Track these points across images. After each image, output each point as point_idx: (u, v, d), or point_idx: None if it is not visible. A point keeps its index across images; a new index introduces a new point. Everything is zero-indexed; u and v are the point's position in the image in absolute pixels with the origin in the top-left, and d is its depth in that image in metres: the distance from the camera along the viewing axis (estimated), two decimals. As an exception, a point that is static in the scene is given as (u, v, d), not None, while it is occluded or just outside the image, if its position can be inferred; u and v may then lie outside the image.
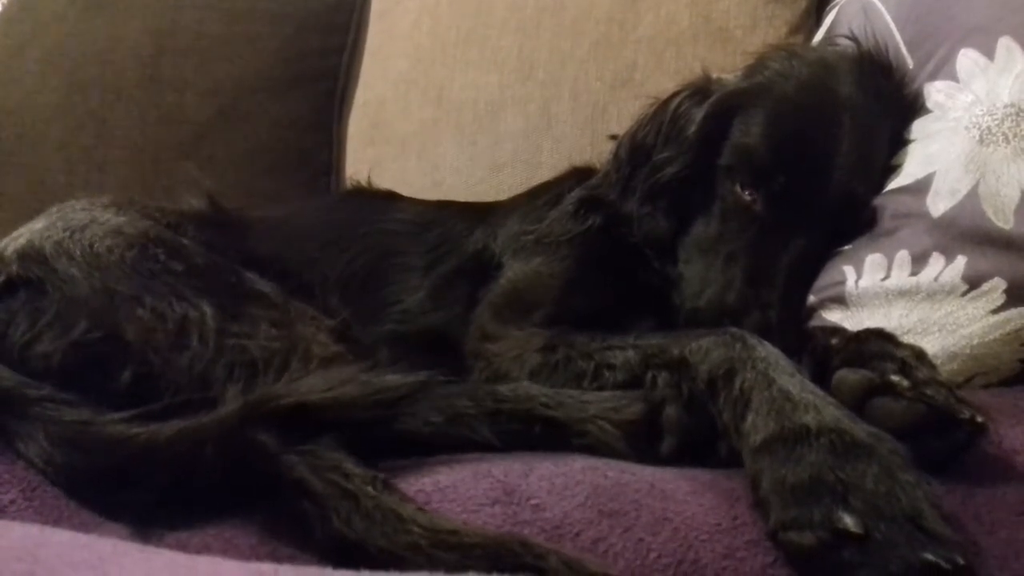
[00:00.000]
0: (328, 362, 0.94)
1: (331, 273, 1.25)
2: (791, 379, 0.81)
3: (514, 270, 1.20)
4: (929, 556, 0.65)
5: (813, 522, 0.68)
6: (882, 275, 1.02)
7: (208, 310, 0.92)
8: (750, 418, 0.79)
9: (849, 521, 0.67)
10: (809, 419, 0.75)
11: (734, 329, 0.89)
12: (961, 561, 0.65)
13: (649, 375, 0.91)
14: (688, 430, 0.86)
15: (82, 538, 0.67)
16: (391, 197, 1.44)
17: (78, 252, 0.95)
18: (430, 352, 1.18)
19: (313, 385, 0.82)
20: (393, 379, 0.84)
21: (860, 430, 0.74)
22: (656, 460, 0.85)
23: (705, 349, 0.87)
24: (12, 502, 0.76)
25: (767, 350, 0.85)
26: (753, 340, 0.86)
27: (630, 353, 0.95)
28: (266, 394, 0.81)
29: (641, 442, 0.86)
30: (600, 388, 0.95)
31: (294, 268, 1.18)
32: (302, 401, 0.80)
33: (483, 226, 1.30)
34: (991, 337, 0.95)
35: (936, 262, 0.98)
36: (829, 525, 0.67)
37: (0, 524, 0.71)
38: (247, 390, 0.85)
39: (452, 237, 1.30)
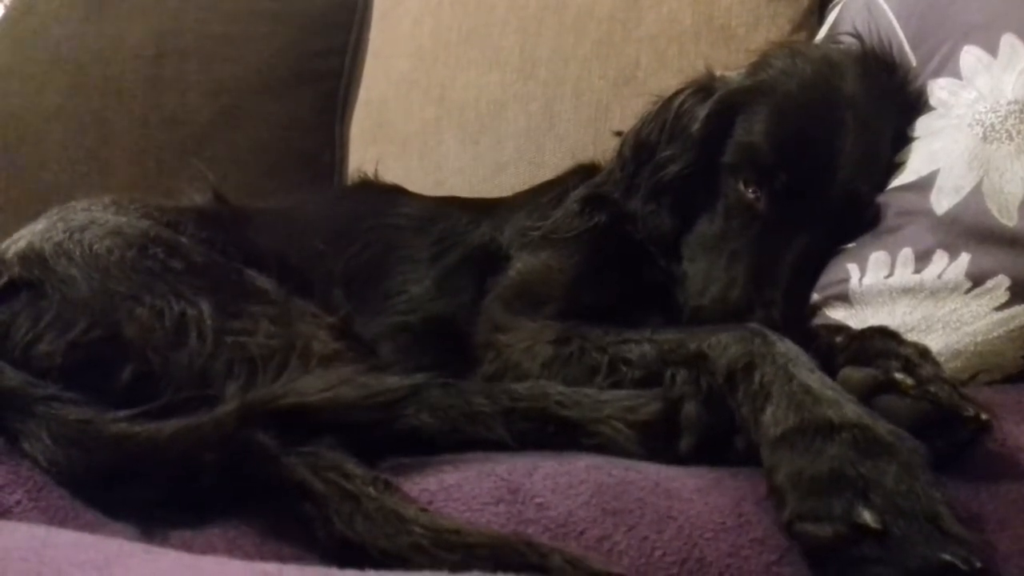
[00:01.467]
0: (328, 360, 0.94)
1: (335, 267, 1.25)
2: (811, 374, 0.81)
3: (523, 262, 1.20)
4: (947, 556, 0.65)
5: (832, 515, 0.69)
6: (886, 273, 1.02)
7: (206, 308, 0.92)
8: (769, 411, 0.79)
9: (868, 516, 0.67)
10: (831, 413, 0.75)
11: (753, 324, 0.90)
12: (978, 563, 0.65)
13: (668, 372, 0.91)
14: (708, 427, 0.86)
15: (87, 538, 0.67)
16: (396, 191, 1.44)
17: (78, 253, 0.95)
18: (436, 342, 1.18)
19: (311, 386, 0.82)
20: (391, 380, 0.84)
21: (881, 427, 0.74)
22: (674, 459, 0.85)
23: (724, 343, 0.87)
24: (18, 503, 0.76)
25: (787, 345, 0.85)
26: (772, 336, 0.87)
27: (646, 347, 0.94)
28: (263, 395, 0.81)
29: (658, 442, 0.86)
30: (616, 384, 0.95)
31: (297, 263, 1.18)
32: (300, 402, 0.80)
33: (489, 220, 1.30)
34: (995, 334, 0.95)
35: (940, 259, 0.98)
36: (848, 519, 0.68)
37: (5, 525, 0.71)
38: (247, 387, 0.86)
39: (457, 230, 1.30)
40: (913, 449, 0.73)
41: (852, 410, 0.76)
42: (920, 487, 0.69)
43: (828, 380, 0.81)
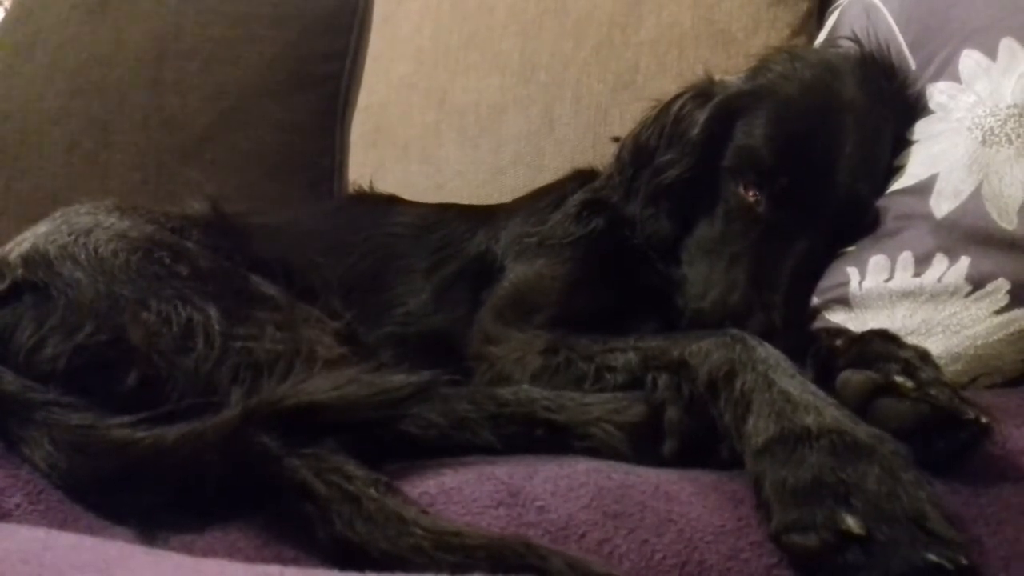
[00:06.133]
0: (333, 364, 0.94)
1: (334, 276, 1.25)
2: (791, 380, 0.81)
3: (516, 272, 1.20)
4: (932, 556, 0.65)
5: (815, 524, 0.68)
6: (885, 276, 1.02)
7: (213, 313, 0.92)
8: (751, 420, 0.79)
9: (851, 522, 0.67)
10: (810, 420, 0.75)
11: (734, 331, 0.90)
12: (964, 561, 0.65)
13: (649, 377, 0.91)
14: (689, 432, 0.86)
15: (88, 541, 0.67)
16: (392, 201, 1.44)
17: (83, 256, 0.95)
18: (433, 354, 1.18)
19: (317, 386, 0.82)
20: (397, 379, 0.84)
21: (861, 431, 0.74)
22: (658, 462, 0.85)
23: (705, 351, 0.87)
24: (17, 506, 0.76)
25: (767, 351, 0.85)
26: (753, 341, 0.86)
27: (630, 355, 0.95)
28: (268, 397, 0.81)
29: (644, 444, 0.87)
30: (601, 390, 0.95)
31: (297, 272, 1.18)
32: (305, 402, 0.80)
33: (485, 228, 1.30)
34: (995, 338, 0.95)
35: (940, 263, 0.98)
36: (832, 526, 0.68)
37: (6, 528, 0.71)
38: (252, 392, 0.85)
39: (454, 239, 1.30)
40: (894, 450, 0.73)
41: (831, 415, 0.76)
42: (903, 488, 0.69)
43: (809, 385, 0.81)
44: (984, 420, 0.76)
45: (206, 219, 1.21)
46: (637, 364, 0.93)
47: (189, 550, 0.71)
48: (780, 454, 0.74)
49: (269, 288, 1.02)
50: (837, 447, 0.73)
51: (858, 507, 0.68)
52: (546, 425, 0.90)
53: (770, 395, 0.79)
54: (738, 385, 0.82)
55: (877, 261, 1.03)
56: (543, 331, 1.08)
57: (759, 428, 0.78)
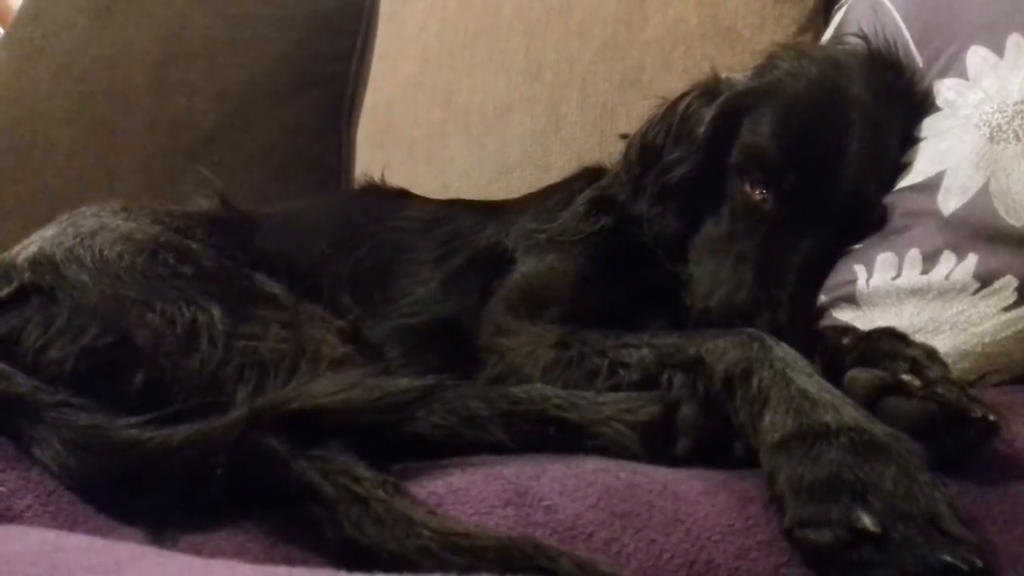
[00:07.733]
0: (337, 363, 0.94)
1: (342, 270, 1.25)
2: (809, 379, 0.81)
3: (528, 265, 1.20)
4: (947, 557, 0.65)
5: (831, 520, 0.69)
6: (893, 274, 1.02)
7: (217, 313, 0.92)
8: (768, 416, 0.79)
9: (867, 520, 0.67)
10: (829, 418, 0.75)
11: (751, 329, 0.90)
12: (979, 563, 0.65)
13: (665, 375, 0.91)
14: (704, 430, 0.86)
15: (98, 543, 0.67)
16: (401, 195, 1.44)
17: (88, 258, 0.95)
18: (441, 344, 1.18)
19: (321, 389, 0.82)
20: (402, 382, 0.84)
21: (879, 430, 0.74)
22: (671, 461, 0.85)
23: (722, 348, 0.87)
24: (28, 507, 0.77)
25: (784, 350, 0.85)
26: (770, 340, 0.86)
27: (645, 352, 0.95)
28: (273, 399, 0.81)
29: (656, 443, 0.87)
30: (614, 386, 0.95)
31: (305, 266, 1.19)
32: (310, 405, 0.80)
33: (494, 222, 1.30)
34: (1003, 335, 0.95)
35: (947, 260, 0.98)
36: (847, 524, 0.68)
37: (16, 529, 0.71)
38: (257, 392, 0.86)
39: (463, 232, 1.30)
40: (911, 451, 0.73)
41: (849, 414, 0.76)
42: (919, 488, 0.69)
43: (826, 384, 0.81)
44: (992, 418, 0.76)
45: (211, 216, 1.22)
46: (652, 361, 0.93)
47: (198, 551, 0.71)
48: (797, 450, 0.74)
49: (273, 286, 1.03)
50: (856, 445, 0.72)
51: (874, 505, 0.68)
52: (558, 423, 0.90)
53: (788, 392, 0.79)
54: (755, 382, 0.82)
55: (884, 259, 1.03)
56: (555, 325, 1.08)
57: (776, 424, 0.78)
